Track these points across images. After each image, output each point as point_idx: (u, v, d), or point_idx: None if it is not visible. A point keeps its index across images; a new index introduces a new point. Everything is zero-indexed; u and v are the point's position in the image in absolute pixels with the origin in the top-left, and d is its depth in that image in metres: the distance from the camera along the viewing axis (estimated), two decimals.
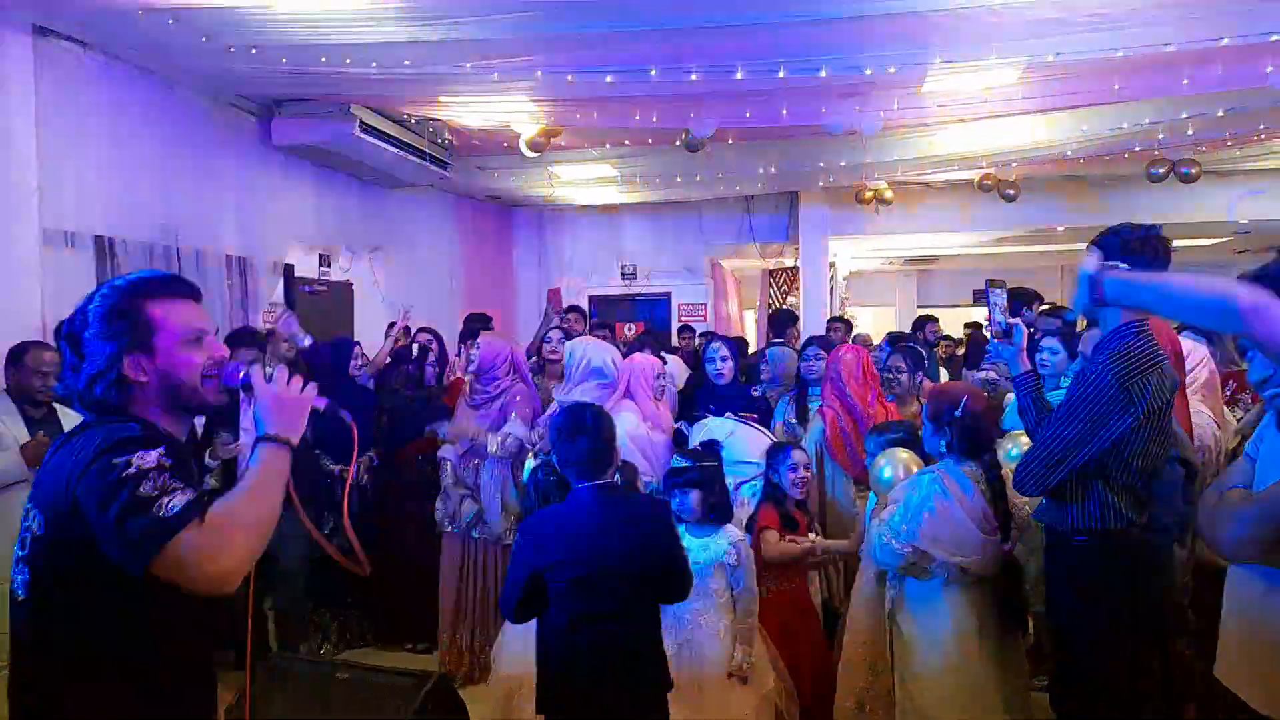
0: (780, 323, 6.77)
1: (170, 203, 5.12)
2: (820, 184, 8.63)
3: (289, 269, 6.38)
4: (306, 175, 6.57)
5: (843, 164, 7.24)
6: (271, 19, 4.17)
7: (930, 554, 2.73)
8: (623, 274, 10.27)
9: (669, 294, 10.23)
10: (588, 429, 2.53)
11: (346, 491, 2.01)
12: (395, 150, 6.29)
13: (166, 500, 1.39)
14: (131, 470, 1.40)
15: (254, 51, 4.59)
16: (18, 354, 3.51)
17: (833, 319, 7.79)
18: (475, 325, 6.10)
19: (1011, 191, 8.04)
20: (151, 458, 1.42)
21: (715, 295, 10.25)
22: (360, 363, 4.96)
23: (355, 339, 5.31)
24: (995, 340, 2.90)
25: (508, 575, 2.58)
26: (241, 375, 1.63)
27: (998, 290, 2.69)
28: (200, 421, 4.03)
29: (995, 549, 2.80)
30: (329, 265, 6.98)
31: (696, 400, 4.70)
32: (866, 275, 14.56)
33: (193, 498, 1.41)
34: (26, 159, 4.17)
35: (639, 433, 3.95)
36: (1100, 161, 7.34)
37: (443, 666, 4.21)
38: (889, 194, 8.51)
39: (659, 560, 2.51)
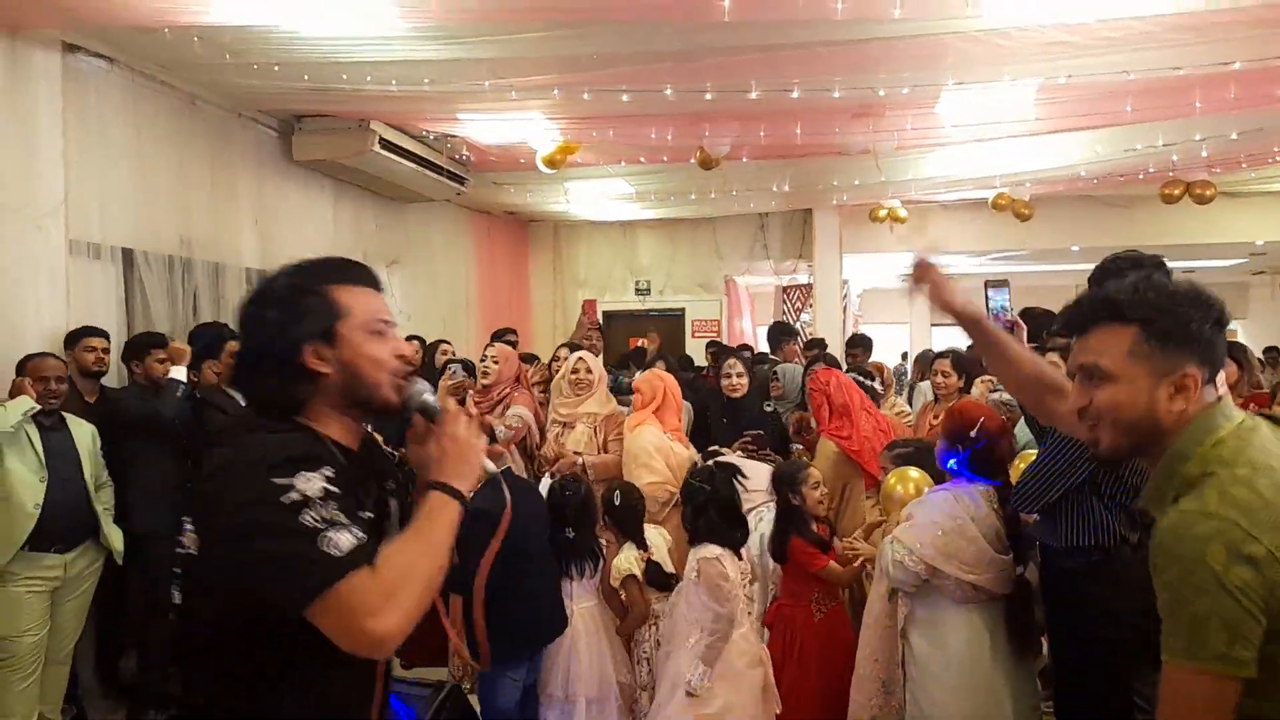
0: (774, 337, 6.77)
1: (191, 216, 5.20)
2: (834, 202, 8.67)
3: None
4: (326, 190, 6.66)
5: (856, 183, 7.28)
6: (295, 37, 4.25)
7: (943, 571, 2.74)
8: (636, 289, 10.32)
9: (683, 310, 10.27)
10: None
11: (484, 576, 1.54)
12: (413, 166, 6.37)
13: (332, 535, 1.18)
14: (293, 495, 1.19)
15: (276, 69, 4.68)
16: (21, 366, 3.64)
17: (853, 338, 7.72)
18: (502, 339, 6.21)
19: (1025, 211, 8.05)
20: (316, 483, 1.21)
21: (729, 311, 10.29)
22: None
23: None
24: None
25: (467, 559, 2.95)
26: (429, 399, 1.43)
27: (997, 290, 2.67)
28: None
29: (1008, 568, 2.80)
30: None
31: (711, 414, 4.77)
32: (880, 292, 14.56)
33: (361, 538, 1.21)
34: (54, 172, 4.25)
35: (662, 443, 4.03)
36: (1114, 182, 7.36)
37: (454, 674, 4.22)
38: (903, 212, 8.54)
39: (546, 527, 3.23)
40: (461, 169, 7.04)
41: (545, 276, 10.56)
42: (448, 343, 6.44)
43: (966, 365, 4.49)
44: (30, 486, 3.46)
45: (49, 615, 3.56)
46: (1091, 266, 2.66)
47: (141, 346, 4.17)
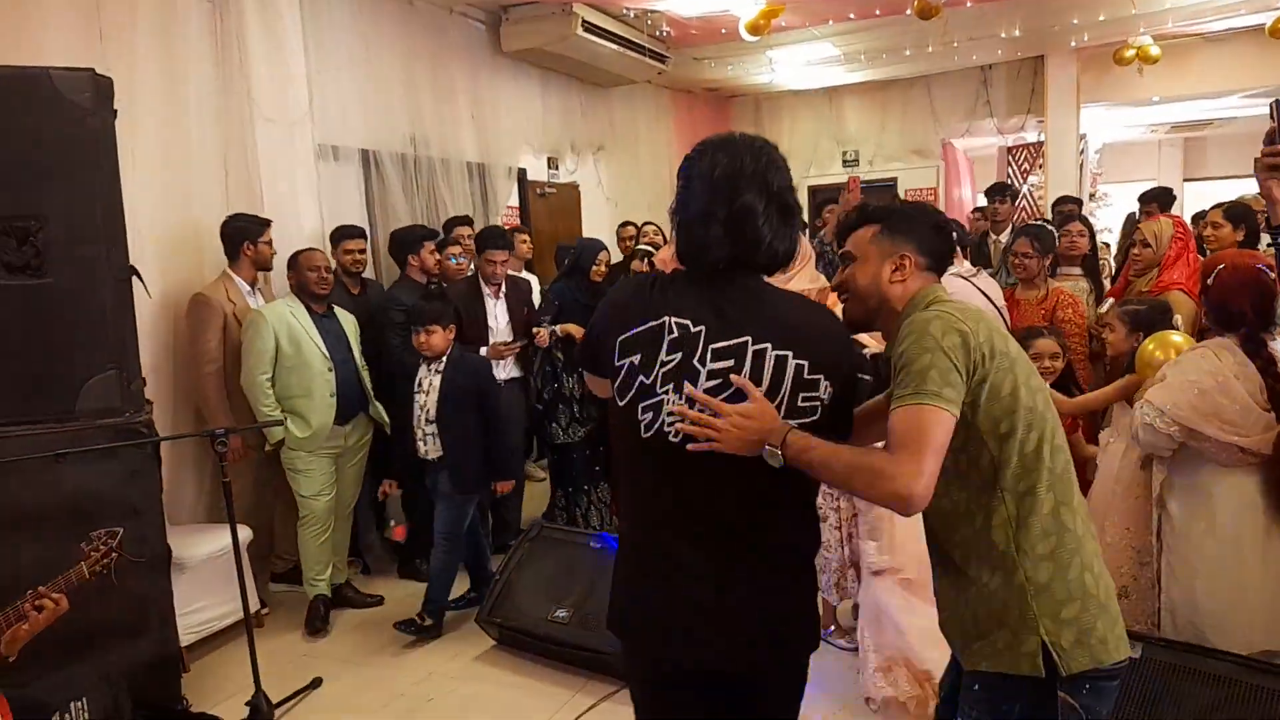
0: (989, 197, 6.17)
1: (416, 115, 5.50)
2: (1073, 43, 7.76)
3: (522, 173, 6.71)
4: (533, 80, 6.80)
5: (1101, 18, 6.47)
6: None
7: (1202, 433, 2.51)
8: (844, 161, 9.87)
9: (895, 179, 9.75)
10: None
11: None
12: (615, 47, 6.36)
13: None
14: None
15: None
16: (294, 259, 4.01)
17: (1061, 199, 6.88)
18: None
19: None
20: None
21: (947, 178, 9.64)
22: (603, 267, 5.12)
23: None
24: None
25: None
26: None
27: None
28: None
29: (1274, 427, 2.53)
30: (557, 168, 7.26)
31: None
32: (1122, 146, 13.07)
33: None
34: (300, 82, 4.62)
35: None
36: None
37: None
38: (1154, 50, 7.51)
39: None
40: (662, 46, 6.93)
41: None
42: (653, 224, 6.50)
43: (1042, 240, 3.95)
44: (323, 378, 3.92)
45: (334, 479, 4.09)
46: None
47: (412, 242, 4.52)
